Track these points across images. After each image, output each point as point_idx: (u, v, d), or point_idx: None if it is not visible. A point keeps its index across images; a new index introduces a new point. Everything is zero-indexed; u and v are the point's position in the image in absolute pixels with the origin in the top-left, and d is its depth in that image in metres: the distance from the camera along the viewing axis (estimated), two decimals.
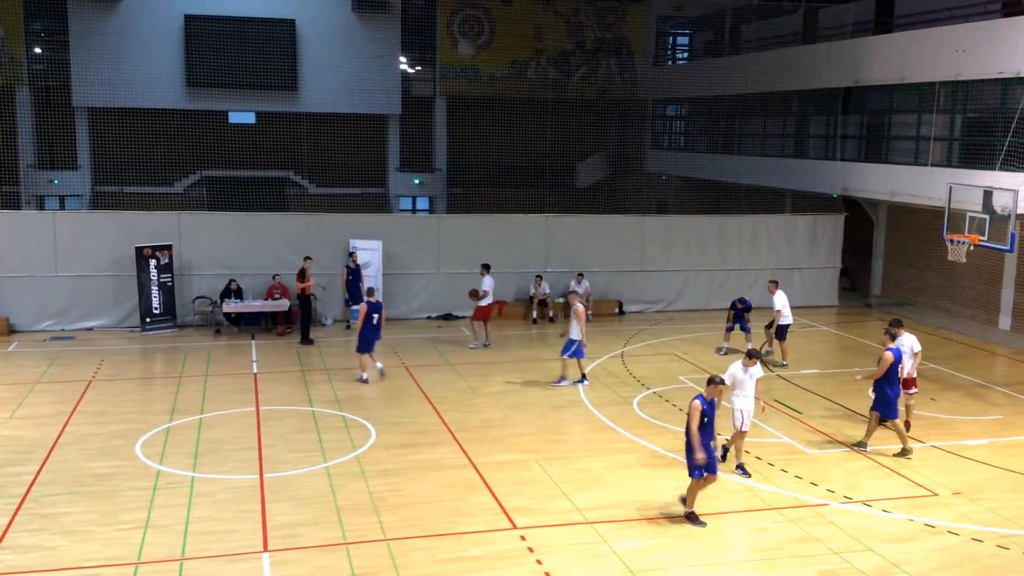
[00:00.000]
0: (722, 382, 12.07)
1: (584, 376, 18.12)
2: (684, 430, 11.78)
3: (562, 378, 18.08)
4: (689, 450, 11.60)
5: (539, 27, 36.92)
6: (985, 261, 23.37)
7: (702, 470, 11.54)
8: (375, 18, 34.44)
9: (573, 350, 17.73)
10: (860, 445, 14.54)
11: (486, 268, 21.50)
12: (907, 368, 15.00)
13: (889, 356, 14.11)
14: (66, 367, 18.91)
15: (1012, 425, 15.80)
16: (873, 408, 14.43)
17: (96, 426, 15.20)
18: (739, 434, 13.47)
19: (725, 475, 13.08)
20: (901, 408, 14.76)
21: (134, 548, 10.84)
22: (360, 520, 11.70)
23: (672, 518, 11.90)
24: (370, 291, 18.92)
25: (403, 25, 35.18)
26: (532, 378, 18.60)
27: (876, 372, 14.22)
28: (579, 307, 17.73)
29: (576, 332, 17.61)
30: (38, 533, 11.20)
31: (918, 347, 15.33)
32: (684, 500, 11.87)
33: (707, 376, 18.65)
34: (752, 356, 13.51)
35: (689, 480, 11.75)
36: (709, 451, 11.62)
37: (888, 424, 14.44)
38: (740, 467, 13.44)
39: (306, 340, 21.16)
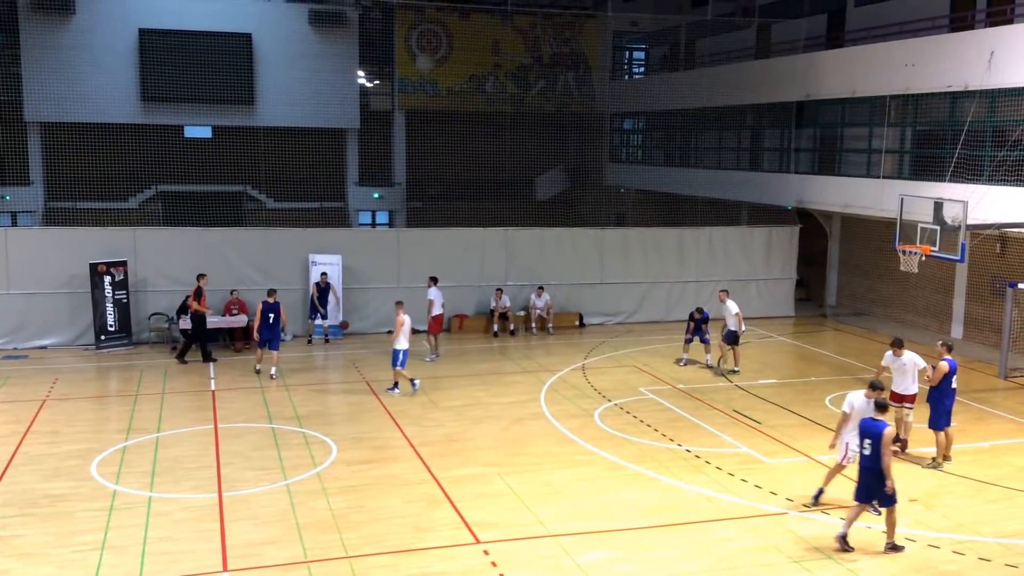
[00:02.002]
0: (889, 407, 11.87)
1: (413, 381, 18.44)
2: (869, 460, 11.39)
3: (395, 385, 18.50)
4: (881, 481, 11.29)
5: (497, 42, 37.05)
6: (937, 271, 23.83)
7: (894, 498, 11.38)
8: (332, 32, 34.34)
9: (401, 360, 18.19)
10: (935, 463, 14.52)
11: (433, 280, 21.54)
12: (909, 384, 14.88)
13: (944, 366, 14.26)
14: (19, 386, 18.55)
15: (966, 433, 16.08)
16: (933, 426, 14.43)
17: (50, 446, 14.92)
18: (839, 467, 12.86)
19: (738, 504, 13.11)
20: (909, 421, 14.90)
21: (91, 570, 10.65)
22: (321, 538, 11.61)
23: (635, 530, 11.96)
24: (270, 292, 19.72)
25: (361, 39, 35.08)
26: (493, 391, 18.60)
27: (932, 379, 14.34)
28: (402, 317, 18.20)
29: (400, 343, 18.09)
30: None
31: (922, 363, 15.00)
32: (844, 541, 11.47)
33: (669, 386, 18.90)
34: (875, 388, 12.69)
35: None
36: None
37: (939, 432, 14.45)
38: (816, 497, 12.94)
39: (208, 359, 20.82)
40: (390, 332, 23.80)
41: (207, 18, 33.00)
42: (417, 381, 18.46)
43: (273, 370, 19.40)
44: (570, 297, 25.47)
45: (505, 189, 33.24)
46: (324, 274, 22.74)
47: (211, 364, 20.49)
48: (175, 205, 31.06)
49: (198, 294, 20.67)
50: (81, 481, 13.42)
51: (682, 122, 34.15)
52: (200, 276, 20.96)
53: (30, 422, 16.15)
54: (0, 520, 11.99)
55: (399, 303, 18.96)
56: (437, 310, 21.31)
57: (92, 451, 14.64)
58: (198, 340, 20.86)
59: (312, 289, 22.64)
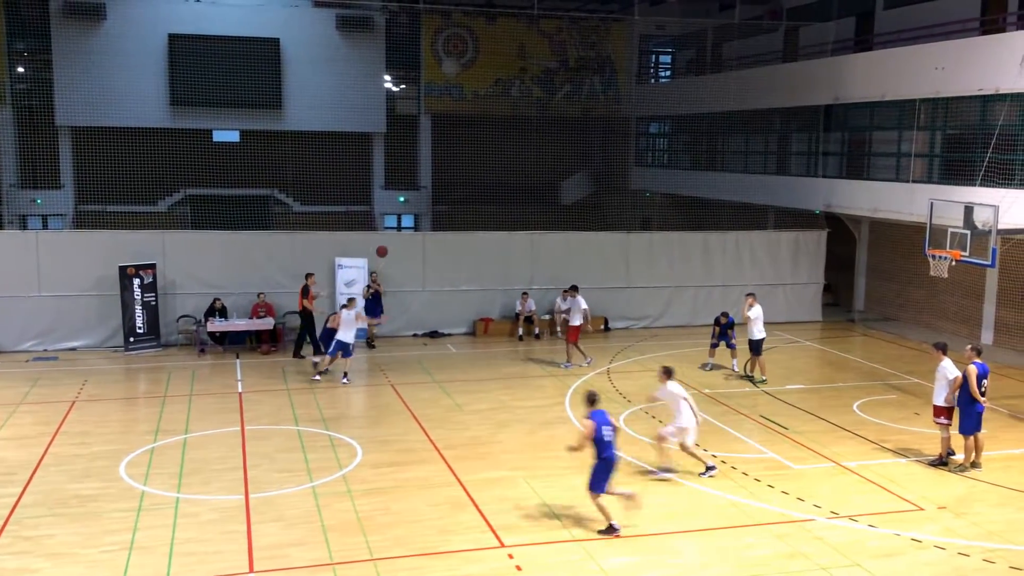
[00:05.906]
0: None
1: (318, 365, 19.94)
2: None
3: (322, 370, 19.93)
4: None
5: (523, 45, 37.14)
6: (967, 276, 23.56)
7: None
8: (359, 37, 34.55)
9: (335, 348, 19.40)
10: (974, 465, 14.45)
11: (575, 289, 21.40)
12: (937, 392, 14.81)
13: (973, 370, 14.19)
14: (49, 387, 18.76)
15: (997, 439, 15.87)
16: (962, 431, 14.39)
17: (79, 447, 15.08)
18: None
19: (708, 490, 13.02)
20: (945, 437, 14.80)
21: (119, 570, 10.74)
22: (347, 540, 11.65)
23: (660, 535, 11.89)
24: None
25: (387, 43, 35.32)
26: (519, 395, 18.59)
27: (955, 385, 14.34)
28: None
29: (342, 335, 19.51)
30: (21, 556, 11.08)
31: (950, 375, 14.73)
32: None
33: (695, 391, 18.77)
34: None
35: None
36: None
37: (968, 437, 14.42)
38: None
39: (298, 355, 21.49)
40: (415, 335, 24.03)
41: (235, 23, 33.33)
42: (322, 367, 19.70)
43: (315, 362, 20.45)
44: (596, 301, 25.37)
45: (530, 193, 33.24)
46: (373, 273, 22.77)
47: (237, 362, 20.74)
48: (203, 208, 31.38)
49: (305, 291, 21.20)
50: (110, 482, 13.54)
51: (709, 126, 34.01)
52: (308, 275, 21.44)
53: (60, 423, 16.32)
54: (30, 520, 12.12)
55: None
56: (579, 319, 21.03)
57: (121, 452, 14.77)
58: (308, 335, 21.43)
59: (364, 291, 22.38)
